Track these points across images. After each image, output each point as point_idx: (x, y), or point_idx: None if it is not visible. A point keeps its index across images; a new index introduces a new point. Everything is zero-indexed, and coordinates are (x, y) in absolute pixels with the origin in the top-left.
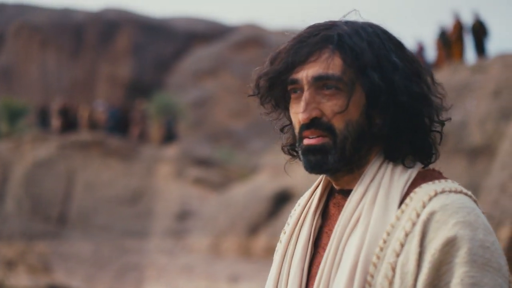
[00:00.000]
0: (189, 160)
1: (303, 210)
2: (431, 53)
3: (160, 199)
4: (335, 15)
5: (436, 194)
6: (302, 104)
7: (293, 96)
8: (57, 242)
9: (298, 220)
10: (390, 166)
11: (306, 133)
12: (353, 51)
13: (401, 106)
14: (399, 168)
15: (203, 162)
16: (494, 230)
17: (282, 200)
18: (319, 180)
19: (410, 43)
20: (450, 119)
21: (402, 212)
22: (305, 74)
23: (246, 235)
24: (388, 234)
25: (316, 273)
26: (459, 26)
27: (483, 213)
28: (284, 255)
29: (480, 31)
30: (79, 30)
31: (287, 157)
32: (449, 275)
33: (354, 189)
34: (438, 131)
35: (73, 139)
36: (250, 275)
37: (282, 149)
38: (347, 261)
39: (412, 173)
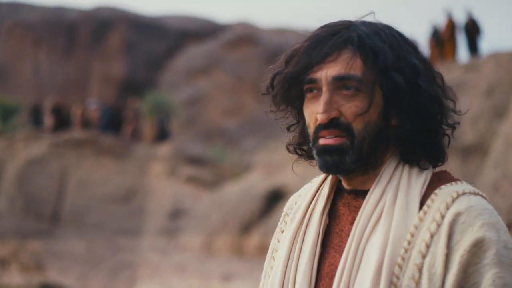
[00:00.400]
0: (181, 158)
1: (307, 209)
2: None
3: (153, 197)
4: (327, 13)
5: (458, 196)
6: (321, 104)
7: (309, 95)
8: (50, 241)
9: (303, 219)
10: (406, 167)
11: (323, 133)
12: (374, 53)
13: (421, 108)
14: (415, 170)
15: (195, 161)
16: None
17: (274, 198)
18: (323, 178)
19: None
20: (459, 123)
21: (425, 213)
22: (325, 74)
23: (238, 233)
24: (412, 235)
25: (327, 272)
26: (451, 25)
27: None
28: (289, 255)
29: (472, 29)
30: (72, 29)
31: (294, 156)
32: (477, 275)
33: (371, 189)
34: (447, 134)
35: (66, 138)
36: (242, 274)
37: (287, 147)
38: (370, 261)
39: (428, 174)
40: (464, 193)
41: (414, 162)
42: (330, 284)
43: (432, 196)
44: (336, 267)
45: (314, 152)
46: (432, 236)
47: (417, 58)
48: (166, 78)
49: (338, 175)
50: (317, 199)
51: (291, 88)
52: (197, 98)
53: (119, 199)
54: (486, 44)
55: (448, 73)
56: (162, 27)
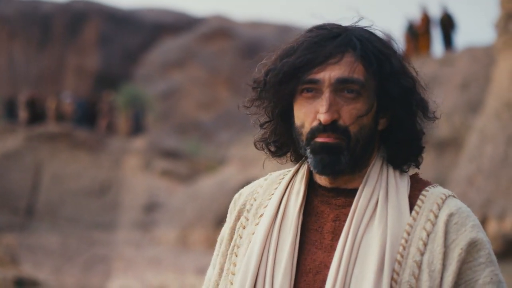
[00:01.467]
0: (156, 152)
1: (278, 205)
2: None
3: (127, 191)
4: (303, 8)
5: (446, 198)
6: (325, 104)
7: (305, 95)
8: (25, 234)
9: (275, 216)
10: (390, 169)
11: (321, 135)
12: (378, 59)
13: (411, 114)
14: (397, 172)
15: (170, 154)
16: None
17: None
18: (292, 174)
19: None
20: (436, 118)
21: (417, 213)
22: (328, 75)
23: (213, 227)
24: (408, 233)
25: (310, 268)
26: (427, 19)
27: None
28: (263, 251)
29: (447, 24)
30: (47, 22)
31: (265, 153)
32: (470, 273)
33: (361, 188)
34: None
35: (41, 131)
36: None
37: (255, 144)
38: (370, 258)
39: (407, 177)
40: (449, 196)
41: (398, 165)
42: (315, 280)
43: (421, 197)
44: (320, 263)
45: (308, 151)
46: (428, 235)
47: (406, 65)
48: (141, 71)
49: (326, 175)
50: (288, 195)
51: (286, 85)
52: (172, 92)
53: (93, 193)
54: (461, 39)
55: (423, 67)
56: (137, 20)
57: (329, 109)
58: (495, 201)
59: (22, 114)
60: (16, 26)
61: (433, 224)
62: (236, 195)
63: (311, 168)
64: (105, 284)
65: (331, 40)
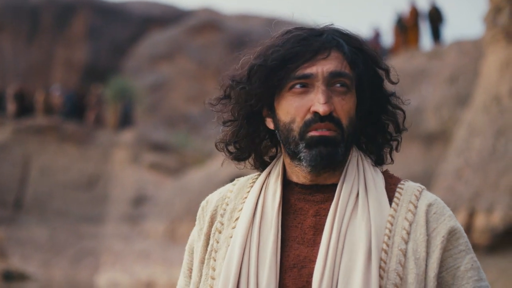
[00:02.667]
0: (145, 145)
1: (255, 206)
2: (387, 39)
3: (116, 184)
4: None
5: (422, 190)
6: (322, 96)
7: (296, 90)
8: (13, 228)
9: (253, 217)
10: (366, 164)
11: (319, 125)
12: (362, 57)
13: (385, 111)
14: (372, 167)
15: (159, 147)
16: None
17: None
18: (264, 177)
19: (366, 29)
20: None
21: (397, 204)
22: (321, 69)
23: None
24: (391, 224)
25: (294, 264)
26: (415, 13)
27: None
28: (243, 252)
29: (436, 17)
30: (35, 14)
31: (224, 154)
32: (451, 261)
33: (341, 183)
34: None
35: (29, 124)
36: None
37: (216, 145)
38: (357, 249)
39: (381, 172)
40: (423, 189)
41: (373, 161)
42: (301, 274)
43: (398, 190)
44: (305, 257)
45: (301, 146)
46: (410, 224)
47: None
48: (129, 64)
49: (323, 168)
50: (264, 196)
51: (275, 79)
52: (160, 84)
53: (82, 186)
54: (449, 32)
55: (412, 61)
56: (125, 13)
57: (327, 101)
58: (483, 194)
59: (10, 106)
60: (4, 19)
61: (414, 214)
62: (203, 202)
63: (305, 164)
64: (93, 277)
65: (316, 37)
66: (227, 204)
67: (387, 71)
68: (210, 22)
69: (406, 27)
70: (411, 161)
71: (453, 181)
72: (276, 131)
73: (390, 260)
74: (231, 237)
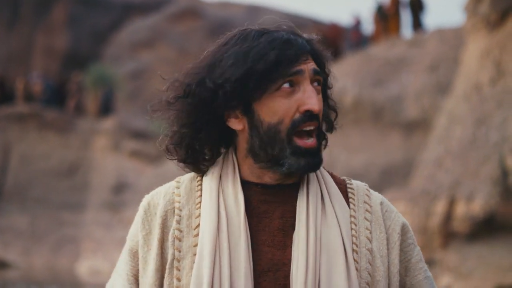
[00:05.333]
0: (125, 132)
1: (217, 211)
2: (368, 27)
3: (96, 171)
4: None
5: (368, 188)
6: (312, 95)
7: (285, 90)
8: None
9: (218, 222)
10: None
11: (308, 124)
12: (320, 58)
13: (326, 111)
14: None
15: (139, 135)
16: (430, 205)
17: None
18: (216, 176)
19: (347, 17)
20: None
21: (354, 205)
22: (307, 66)
23: None
24: (355, 224)
25: (269, 267)
26: (396, 1)
27: None
28: (214, 258)
29: (417, 5)
30: (15, 1)
31: (174, 158)
32: (402, 254)
33: (305, 183)
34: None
35: (9, 112)
36: None
37: (168, 147)
38: (335, 250)
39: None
40: (368, 187)
41: None
42: (276, 277)
43: (350, 190)
44: (278, 261)
45: (289, 152)
46: (371, 224)
47: None
48: (110, 51)
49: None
50: (224, 200)
51: (263, 83)
52: (141, 72)
53: (62, 174)
54: (430, 20)
55: (393, 49)
56: (106, 0)
57: (317, 98)
58: (464, 182)
59: None
60: None
61: (371, 214)
62: (145, 205)
63: (285, 169)
64: (74, 265)
65: (296, 40)
66: (180, 210)
67: (329, 73)
68: (191, 9)
69: (387, 16)
70: (392, 150)
71: (433, 169)
72: (250, 131)
73: (361, 260)
74: (195, 245)
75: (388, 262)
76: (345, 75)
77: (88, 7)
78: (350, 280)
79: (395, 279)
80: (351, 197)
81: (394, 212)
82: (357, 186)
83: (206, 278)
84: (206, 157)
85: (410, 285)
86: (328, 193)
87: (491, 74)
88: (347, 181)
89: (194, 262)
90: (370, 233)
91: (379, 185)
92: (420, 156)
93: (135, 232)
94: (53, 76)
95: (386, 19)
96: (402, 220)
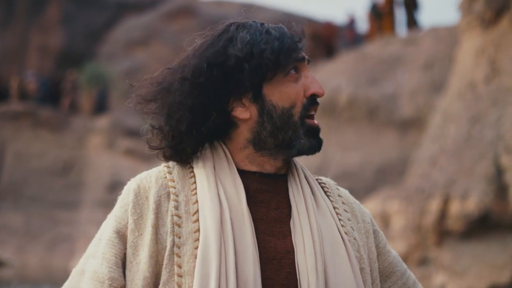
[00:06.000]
0: (120, 131)
1: (218, 199)
2: (362, 26)
3: (91, 170)
4: None
5: (336, 183)
6: (314, 80)
7: (293, 75)
8: None
9: (221, 210)
10: None
11: (315, 108)
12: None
13: None
14: None
15: (134, 133)
16: (424, 203)
17: None
18: (210, 164)
19: (341, 16)
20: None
21: (332, 197)
22: (303, 54)
23: None
24: (340, 214)
25: (273, 256)
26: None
27: None
28: (220, 247)
29: (411, 4)
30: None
31: (164, 154)
32: (371, 238)
33: (296, 174)
34: None
35: (3, 110)
36: None
37: (165, 147)
38: (335, 238)
39: None
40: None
41: None
42: (282, 265)
43: (322, 184)
44: (282, 249)
45: (303, 132)
46: (351, 215)
47: None
48: (104, 49)
49: (283, 159)
50: (223, 187)
51: (284, 63)
52: (135, 70)
53: (57, 172)
54: (425, 19)
55: (387, 47)
56: None
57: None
58: (458, 181)
59: None
60: None
61: (347, 205)
62: (135, 188)
63: (302, 150)
64: (68, 263)
65: (289, 31)
66: (177, 195)
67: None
68: (185, 8)
69: (381, 14)
70: (386, 148)
71: (428, 167)
72: (261, 118)
73: (352, 248)
74: (195, 231)
75: (368, 250)
76: (339, 73)
77: (83, 6)
78: (352, 266)
79: (376, 265)
80: (327, 191)
81: (358, 203)
82: (328, 181)
83: (213, 264)
84: (190, 149)
85: (383, 267)
86: (314, 183)
87: (486, 73)
88: (316, 177)
89: (195, 248)
90: (351, 223)
91: (373, 184)
92: (414, 154)
93: (121, 214)
94: (47, 75)
95: (381, 17)
96: (367, 210)
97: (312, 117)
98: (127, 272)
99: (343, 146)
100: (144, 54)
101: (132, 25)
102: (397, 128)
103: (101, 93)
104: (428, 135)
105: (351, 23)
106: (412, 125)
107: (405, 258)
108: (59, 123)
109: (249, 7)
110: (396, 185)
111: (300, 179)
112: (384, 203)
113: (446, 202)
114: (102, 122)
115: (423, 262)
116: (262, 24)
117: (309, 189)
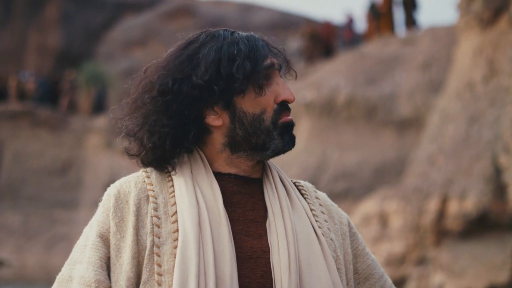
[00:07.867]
0: (119, 130)
1: (196, 201)
2: (361, 26)
3: (89, 169)
4: None
5: (313, 186)
6: (286, 86)
7: (265, 83)
8: None
9: (199, 211)
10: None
11: (287, 113)
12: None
13: None
14: None
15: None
16: (423, 203)
17: None
18: (187, 168)
19: (339, 15)
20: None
21: (309, 199)
22: (275, 61)
23: None
24: (317, 216)
25: (249, 255)
26: None
27: None
28: (199, 246)
29: (409, 4)
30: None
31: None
32: (352, 241)
33: (271, 176)
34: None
35: (2, 110)
36: None
37: (149, 151)
38: (310, 238)
39: None
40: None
41: None
42: (257, 264)
43: (300, 186)
44: (258, 248)
45: (275, 134)
46: (327, 216)
47: None
48: (103, 49)
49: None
50: (200, 188)
51: (252, 77)
52: (134, 70)
53: (55, 172)
54: (423, 19)
55: (385, 47)
56: None
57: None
58: (456, 181)
59: None
60: None
61: (324, 207)
62: (115, 192)
63: (276, 150)
64: None
65: (259, 39)
66: (156, 198)
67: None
68: (184, 8)
69: (380, 14)
70: (385, 148)
71: (426, 167)
72: (233, 125)
73: (329, 249)
74: (174, 232)
75: (344, 251)
76: (338, 73)
77: (81, 5)
78: (328, 265)
79: (351, 267)
80: (304, 193)
81: (336, 206)
82: (305, 184)
83: (193, 262)
84: (168, 156)
85: (362, 269)
86: (291, 187)
87: (484, 72)
88: (294, 180)
89: (175, 248)
90: (328, 224)
91: (372, 183)
92: (413, 154)
93: (103, 219)
94: (46, 74)
95: (379, 17)
96: (345, 213)
97: (286, 114)
98: (111, 274)
99: (341, 146)
100: (142, 54)
101: (130, 25)
102: (395, 127)
103: (100, 93)
104: (426, 135)
105: (350, 22)
106: (411, 124)
107: (404, 258)
108: (58, 122)
109: (247, 7)
110: (394, 185)
111: (275, 181)
112: (382, 202)
113: (444, 201)
114: (101, 121)
115: (422, 261)
116: (232, 33)
117: (285, 191)
